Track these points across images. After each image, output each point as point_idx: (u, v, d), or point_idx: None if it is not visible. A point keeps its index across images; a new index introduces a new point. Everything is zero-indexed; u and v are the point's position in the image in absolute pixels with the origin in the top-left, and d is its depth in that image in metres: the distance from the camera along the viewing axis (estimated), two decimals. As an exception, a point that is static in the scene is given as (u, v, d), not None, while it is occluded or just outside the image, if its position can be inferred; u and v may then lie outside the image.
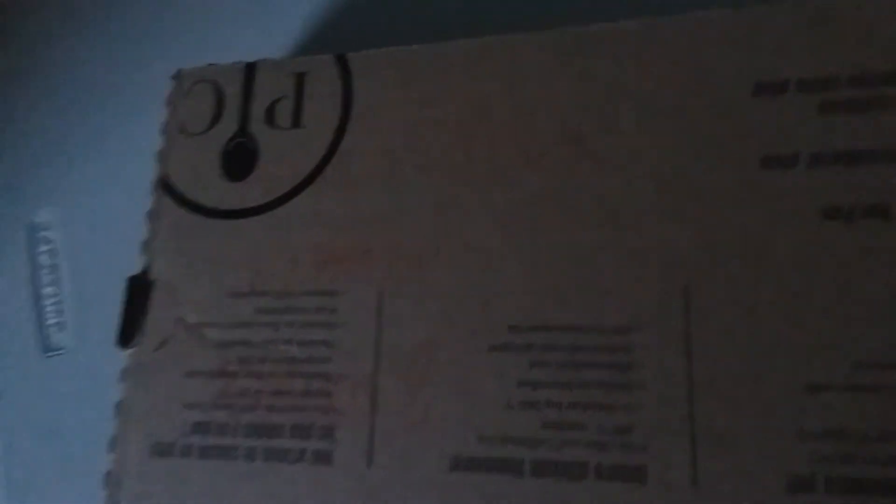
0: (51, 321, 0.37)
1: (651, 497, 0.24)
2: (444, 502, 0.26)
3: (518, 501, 0.25)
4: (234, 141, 0.33)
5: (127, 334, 0.31)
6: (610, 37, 0.29)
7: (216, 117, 0.34)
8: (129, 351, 0.31)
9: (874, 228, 0.25)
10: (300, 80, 0.33)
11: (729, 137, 0.27)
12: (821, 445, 0.23)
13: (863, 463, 0.23)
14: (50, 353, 0.36)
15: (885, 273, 0.24)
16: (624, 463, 0.25)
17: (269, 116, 0.33)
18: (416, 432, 0.27)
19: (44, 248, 0.38)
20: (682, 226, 0.26)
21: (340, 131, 0.32)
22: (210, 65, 0.35)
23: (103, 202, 0.41)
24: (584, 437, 0.25)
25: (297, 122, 0.33)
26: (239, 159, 0.33)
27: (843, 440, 0.23)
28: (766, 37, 0.27)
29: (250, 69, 0.34)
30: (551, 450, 0.25)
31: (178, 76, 0.35)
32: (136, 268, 0.32)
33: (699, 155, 0.27)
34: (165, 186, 0.33)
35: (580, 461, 0.25)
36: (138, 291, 0.31)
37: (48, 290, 0.37)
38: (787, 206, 0.25)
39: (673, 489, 0.24)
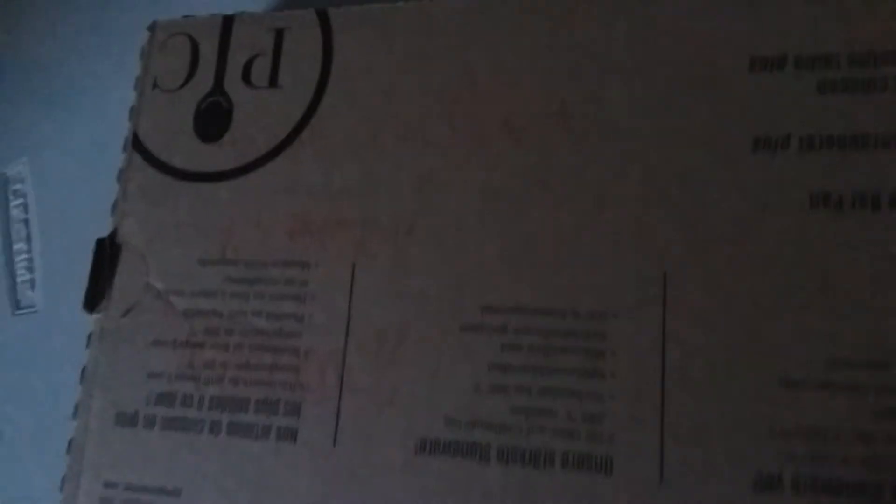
0: (22, 278, 0.36)
1: (616, 490, 0.24)
2: (408, 485, 0.25)
3: (483, 487, 0.25)
4: (208, 99, 0.32)
5: (94, 298, 0.30)
6: (602, 1, 0.28)
7: (191, 73, 0.33)
8: (96, 316, 0.30)
9: (863, 219, 0.24)
10: (279, 36, 0.32)
11: (721, 116, 0.25)
12: (791, 443, 0.23)
13: (833, 463, 0.22)
14: (20, 311, 0.36)
15: (869, 267, 0.23)
16: (591, 453, 0.24)
17: (246, 74, 0.32)
18: (384, 413, 0.26)
19: (16, 201, 0.37)
20: (665, 211, 0.25)
21: (318, 93, 0.31)
22: (186, 17, 0.34)
23: (77, 157, 0.39)
24: (553, 424, 0.25)
25: (274, 81, 0.31)
26: (213, 119, 0.32)
27: (814, 439, 0.22)
28: (765, 9, 0.26)
29: (227, 22, 0.33)
30: (519, 436, 0.25)
31: (152, 28, 0.34)
32: (105, 228, 0.31)
33: (689, 135, 0.26)
34: (136, 144, 0.32)
35: (547, 449, 0.24)
36: (106, 255, 0.30)
37: (19, 245, 0.36)
38: (775, 192, 0.24)
39: (638, 483, 0.23)
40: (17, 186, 0.37)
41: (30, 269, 0.36)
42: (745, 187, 0.25)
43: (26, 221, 0.37)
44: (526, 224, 0.26)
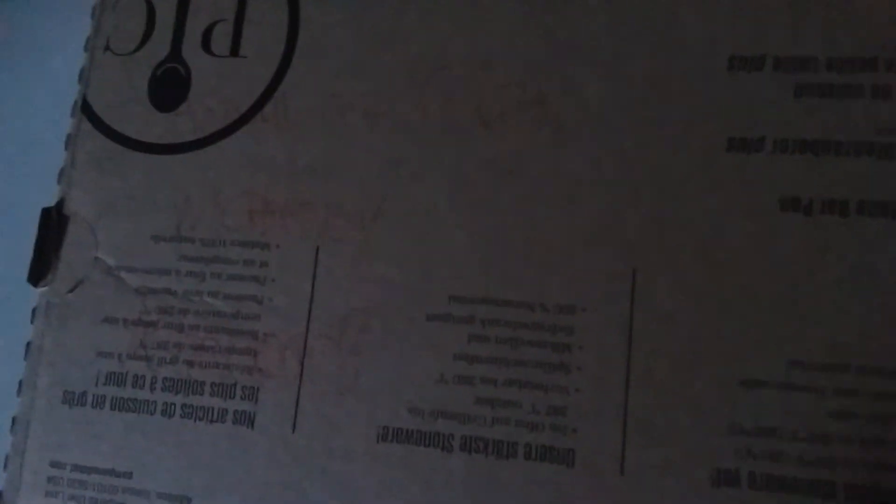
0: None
1: (577, 481, 0.24)
2: (369, 473, 0.25)
3: (446, 477, 0.24)
4: (164, 66, 0.30)
5: (39, 270, 0.29)
6: (581, -10, 0.27)
7: (146, 36, 0.31)
8: (41, 289, 0.28)
9: (830, 224, 0.24)
10: (242, 1, 0.30)
11: (697, 114, 0.25)
12: (749, 441, 0.23)
13: (789, 462, 0.23)
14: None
15: (834, 272, 0.24)
16: (553, 445, 0.24)
17: (206, 41, 0.30)
18: (346, 400, 0.26)
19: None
20: (637, 208, 0.25)
21: (283, 65, 0.29)
22: (142, -26, 0.32)
23: (20, 122, 0.37)
24: (517, 415, 0.25)
25: (235, 49, 0.30)
26: (169, 87, 0.30)
27: (772, 438, 0.23)
28: (747, 9, 0.26)
29: (187, -16, 0.31)
30: (482, 427, 0.25)
31: (105, -16, 0.32)
32: (51, 197, 0.29)
33: (664, 132, 0.25)
34: (86, 110, 0.30)
35: (510, 440, 0.24)
36: (53, 225, 0.29)
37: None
38: (746, 194, 0.25)
39: (600, 475, 0.24)
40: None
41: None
42: (716, 188, 0.25)
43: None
44: (496, 214, 0.26)
